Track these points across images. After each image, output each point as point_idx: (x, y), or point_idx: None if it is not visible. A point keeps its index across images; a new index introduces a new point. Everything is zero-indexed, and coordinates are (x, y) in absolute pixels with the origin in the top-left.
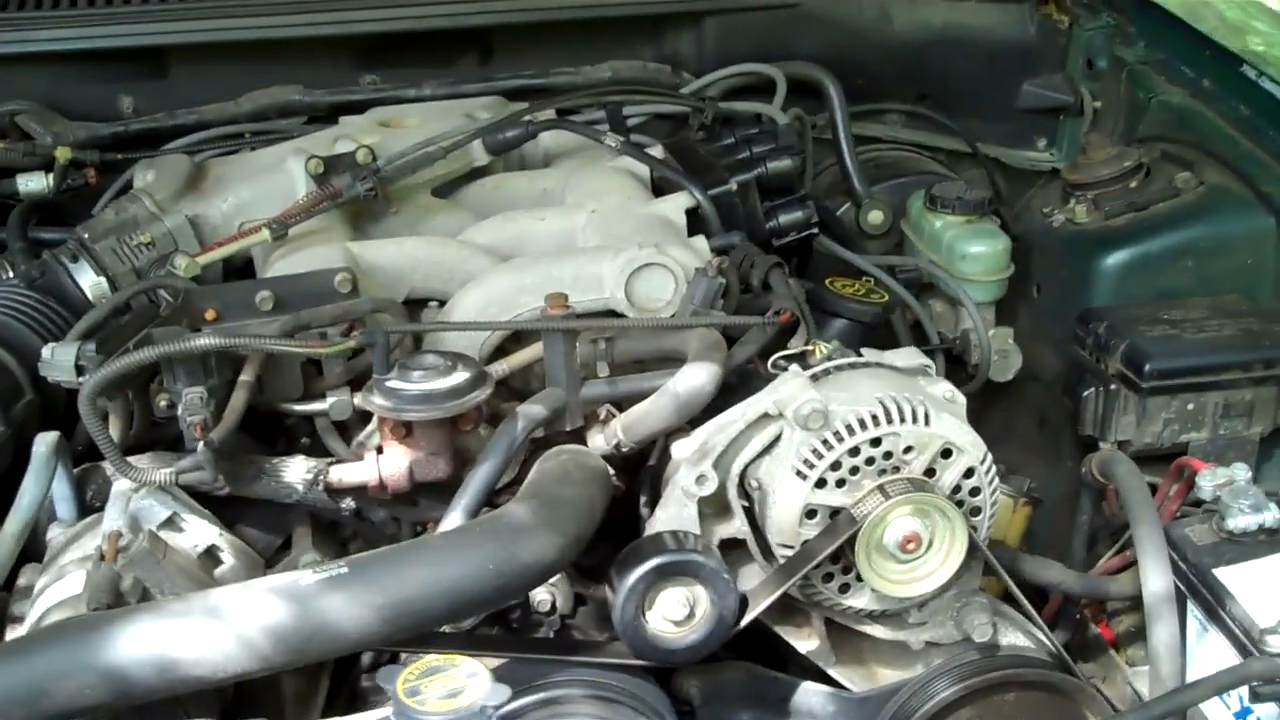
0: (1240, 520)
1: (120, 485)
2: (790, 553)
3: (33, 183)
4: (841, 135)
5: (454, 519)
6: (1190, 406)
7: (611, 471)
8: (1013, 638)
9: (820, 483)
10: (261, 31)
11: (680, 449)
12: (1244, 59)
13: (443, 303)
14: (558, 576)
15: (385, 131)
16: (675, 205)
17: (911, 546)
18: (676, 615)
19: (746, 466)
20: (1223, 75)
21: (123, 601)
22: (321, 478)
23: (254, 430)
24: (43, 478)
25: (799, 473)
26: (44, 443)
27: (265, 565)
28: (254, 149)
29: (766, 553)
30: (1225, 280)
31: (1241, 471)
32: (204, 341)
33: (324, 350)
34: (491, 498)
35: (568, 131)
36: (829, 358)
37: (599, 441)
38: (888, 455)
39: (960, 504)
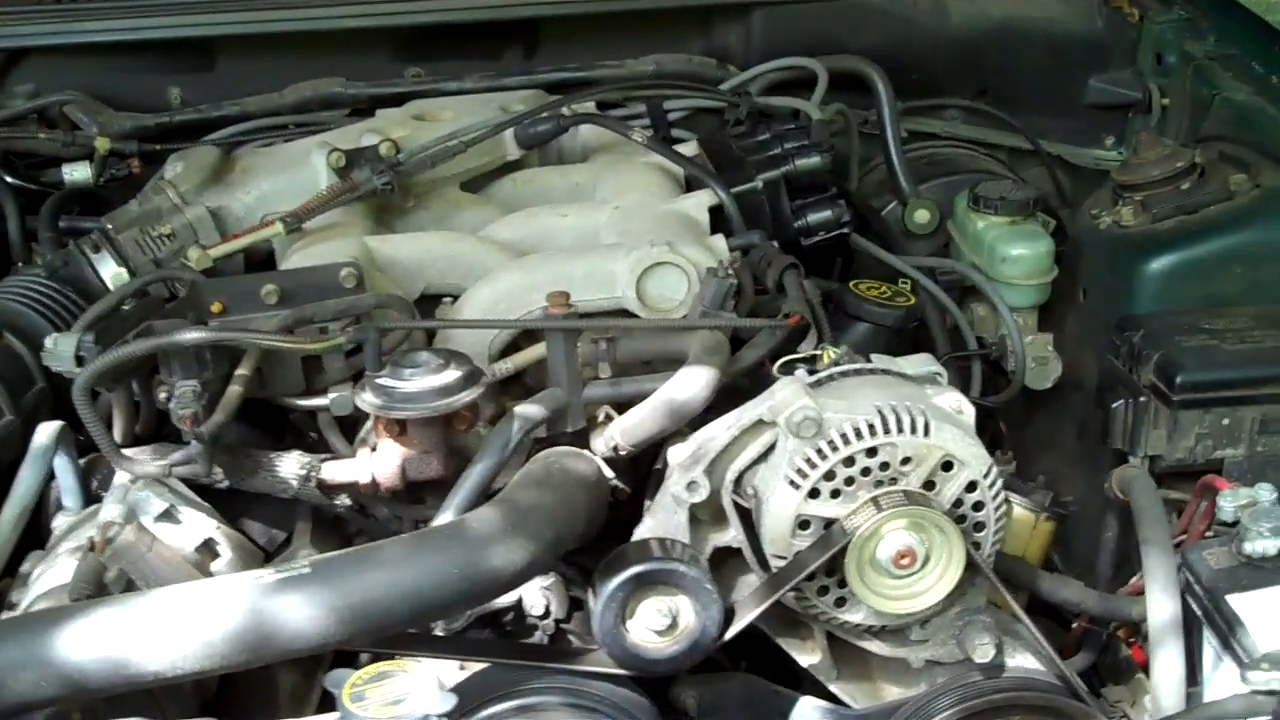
0: (1258, 544)
1: (121, 476)
2: (784, 563)
3: (77, 173)
4: (888, 131)
5: (446, 518)
6: (1225, 421)
7: (611, 474)
8: (1020, 659)
9: (814, 493)
10: (307, 23)
11: (674, 454)
12: None
13: (457, 298)
14: (551, 580)
15: (417, 125)
16: (698, 203)
17: (906, 562)
18: (658, 625)
19: (742, 473)
20: None
21: (106, 593)
22: (314, 474)
23: (263, 424)
24: (39, 467)
25: (792, 482)
26: (44, 433)
27: (267, 559)
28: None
29: (763, 563)
30: (1278, 288)
31: (1265, 492)
32: (193, 335)
33: (312, 346)
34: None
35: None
36: (836, 363)
37: (600, 444)
38: (884, 466)
39: (962, 519)
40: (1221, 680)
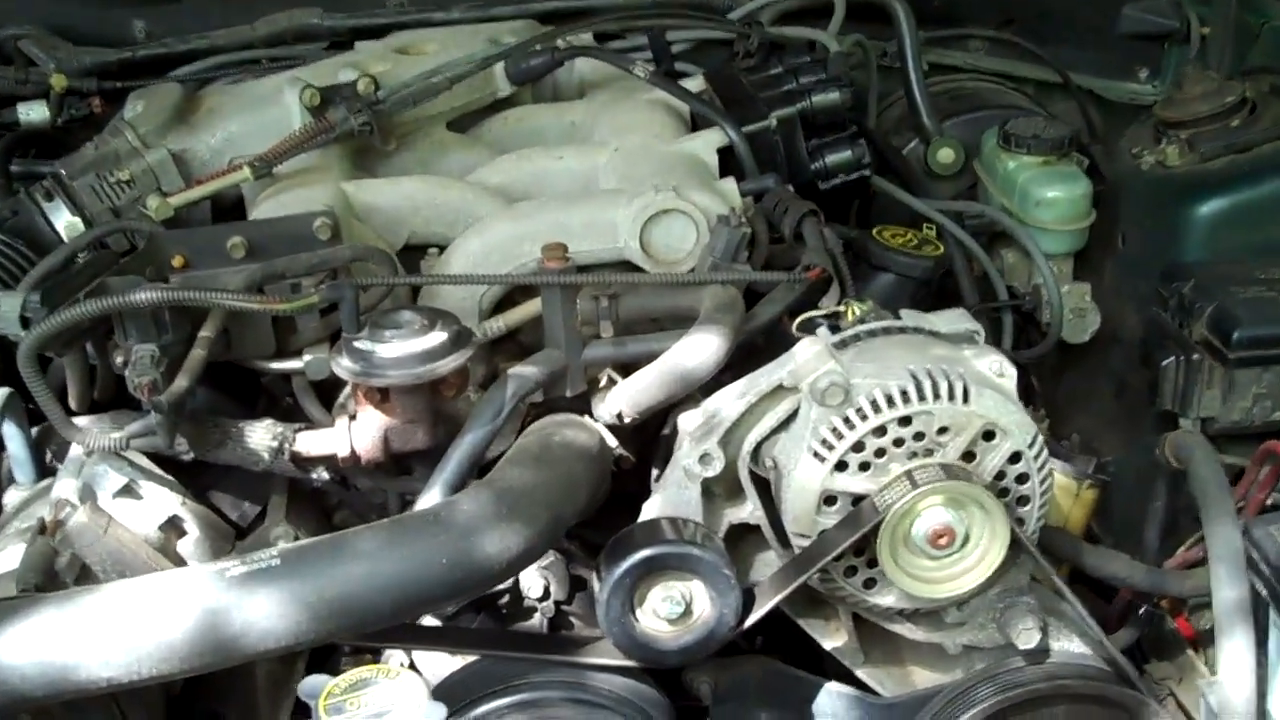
0: None
1: (77, 448)
2: (807, 543)
3: (33, 113)
4: (910, 64)
5: (433, 495)
6: None
7: (614, 443)
8: (1065, 642)
9: (841, 465)
10: None
11: (685, 422)
12: None
13: (444, 249)
14: (550, 559)
15: (399, 59)
16: (706, 143)
17: (943, 541)
18: (670, 613)
19: (760, 444)
20: None
21: (57, 581)
22: (288, 445)
23: (232, 389)
24: None
25: (816, 454)
26: None
27: (240, 537)
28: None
29: (783, 540)
30: None
31: None
32: (148, 294)
33: (282, 306)
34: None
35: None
36: (861, 320)
37: (602, 411)
38: (919, 436)
39: (1004, 493)
40: None
